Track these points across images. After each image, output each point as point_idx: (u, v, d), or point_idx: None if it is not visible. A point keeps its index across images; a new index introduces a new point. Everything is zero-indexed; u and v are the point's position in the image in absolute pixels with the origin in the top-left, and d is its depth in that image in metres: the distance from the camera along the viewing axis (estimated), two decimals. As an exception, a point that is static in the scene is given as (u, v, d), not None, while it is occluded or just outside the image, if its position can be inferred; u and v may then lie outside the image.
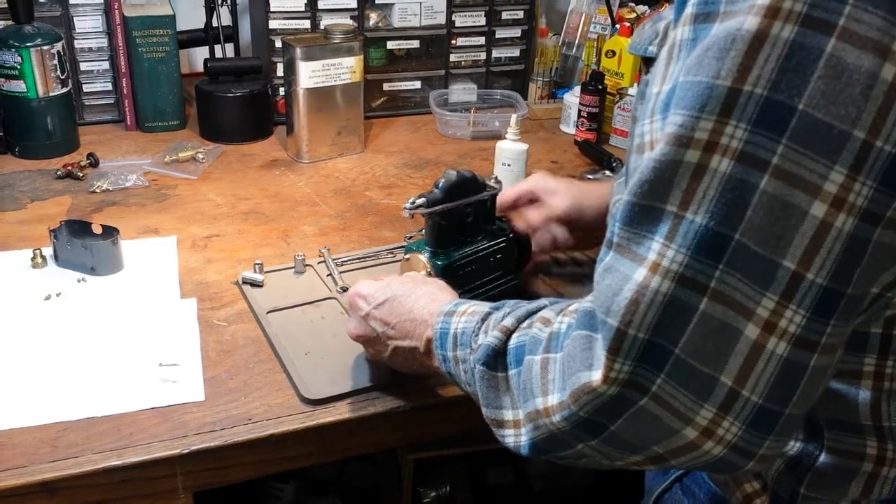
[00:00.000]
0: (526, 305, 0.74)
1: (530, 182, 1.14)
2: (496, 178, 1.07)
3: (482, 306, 0.78)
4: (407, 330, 0.85)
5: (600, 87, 1.65)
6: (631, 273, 0.57)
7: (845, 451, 0.68)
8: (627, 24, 1.71)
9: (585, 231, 1.11)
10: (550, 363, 0.65)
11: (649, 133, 0.60)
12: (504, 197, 1.11)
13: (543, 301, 0.74)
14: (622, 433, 0.61)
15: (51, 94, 1.50)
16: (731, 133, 0.53)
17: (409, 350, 0.86)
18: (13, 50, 1.45)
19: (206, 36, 1.77)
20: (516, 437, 0.69)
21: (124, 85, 1.63)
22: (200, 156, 1.53)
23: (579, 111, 1.67)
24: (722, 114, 0.53)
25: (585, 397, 0.60)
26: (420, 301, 0.86)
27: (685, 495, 0.82)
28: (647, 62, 0.73)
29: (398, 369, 0.92)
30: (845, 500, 0.70)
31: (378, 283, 0.91)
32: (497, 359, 0.71)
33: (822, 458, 0.68)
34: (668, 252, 0.56)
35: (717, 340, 0.56)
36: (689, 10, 0.57)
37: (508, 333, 0.71)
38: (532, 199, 1.13)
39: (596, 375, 0.59)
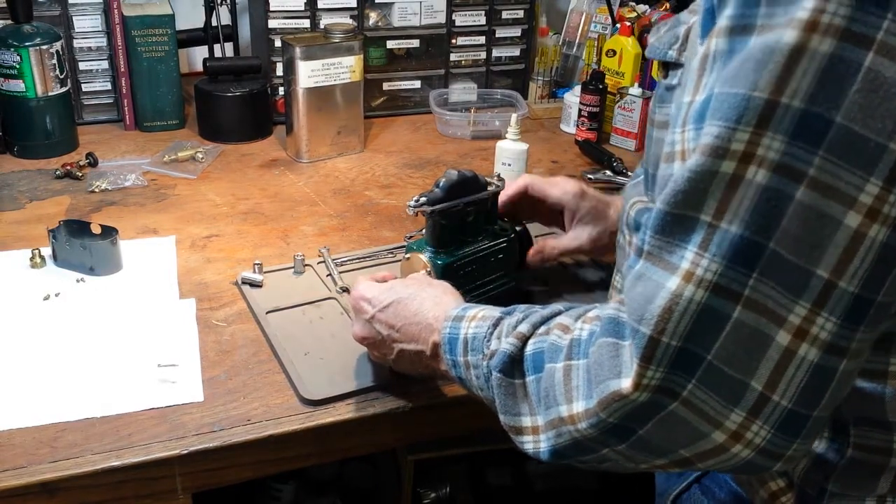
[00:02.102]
0: (539, 311, 0.74)
1: (561, 193, 1.09)
2: (499, 175, 1.07)
3: (492, 311, 0.78)
4: (412, 333, 0.85)
5: (601, 86, 1.65)
6: (664, 281, 0.58)
7: (873, 447, 0.68)
8: (628, 24, 1.71)
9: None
10: (573, 370, 0.66)
11: (680, 142, 0.60)
12: (529, 190, 1.09)
13: (557, 306, 0.74)
14: (651, 437, 0.62)
15: (50, 93, 1.49)
16: (768, 145, 0.54)
17: (415, 353, 0.86)
18: (12, 49, 1.44)
19: (206, 35, 1.77)
20: (535, 444, 0.69)
21: (123, 84, 1.63)
22: (200, 155, 1.53)
23: (580, 110, 1.66)
24: (759, 125, 0.54)
25: (615, 404, 0.61)
26: (425, 304, 0.86)
27: (704, 496, 0.82)
28: (666, 66, 0.73)
29: (402, 371, 0.92)
30: (872, 497, 0.70)
31: (382, 286, 0.91)
32: (514, 366, 0.71)
33: (850, 454, 0.69)
34: (702, 261, 0.57)
35: (749, 346, 0.57)
36: (724, 22, 0.57)
37: (524, 339, 0.72)
38: (540, 199, 1.11)
39: (626, 383, 0.60)
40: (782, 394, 0.57)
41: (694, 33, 0.65)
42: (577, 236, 1.08)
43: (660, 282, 0.58)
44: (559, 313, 0.72)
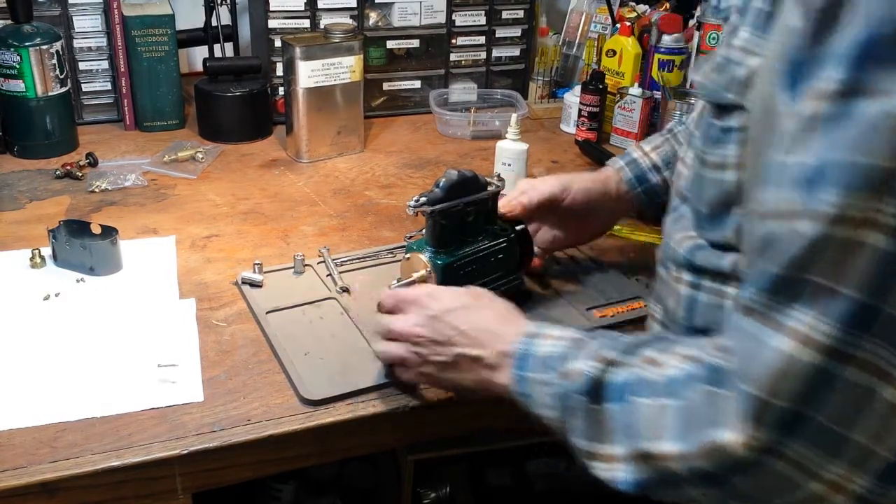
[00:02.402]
0: (624, 338, 0.75)
1: (518, 186, 1.13)
2: (499, 175, 1.07)
3: (571, 331, 0.79)
4: (478, 339, 0.84)
5: (601, 86, 1.65)
6: (772, 341, 0.59)
7: None
8: (628, 24, 1.71)
9: (576, 214, 1.12)
10: (665, 410, 0.66)
11: (783, 202, 0.60)
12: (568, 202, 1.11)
13: (644, 336, 0.75)
14: (745, 486, 0.63)
15: (50, 93, 1.49)
16: (886, 210, 0.55)
17: (473, 359, 0.83)
18: (12, 49, 1.44)
19: (206, 35, 1.77)
20: (611, 472, 0.70)
21: (123, 84, 1.63)
22: (199, 155, 1.53)
23: (580, 110, 1.66)
24: (877, 192, 0.55)
25: (716, 454, 0.62)
26: (490, 315, 0.86)
27: None
28: (720, 107, 0.73)
29: (440, 382, 0.89)
30: None
31: (448, 289, 0.90)
32: (595, 390, 0.71)
33: None
34: (815, 323, 0.57)
35: (859, 406, 0.58)
36: (830, 85, 0.57)
37: (608, 364, 0.72)
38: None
39: (729, 437, 0.61)
40: (887, 447, 0.59)
41: (763, 80, 0.64)
42: (545, 184, 1.10)
43: (769, 342, 0.59)
44: (645, 343, 0.73)
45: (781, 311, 0.59)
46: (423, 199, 0.99)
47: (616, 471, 0.69)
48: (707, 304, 0.79)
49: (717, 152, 0.74)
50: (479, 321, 0.85)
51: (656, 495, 0.69)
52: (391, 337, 0.90)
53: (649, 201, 1.13)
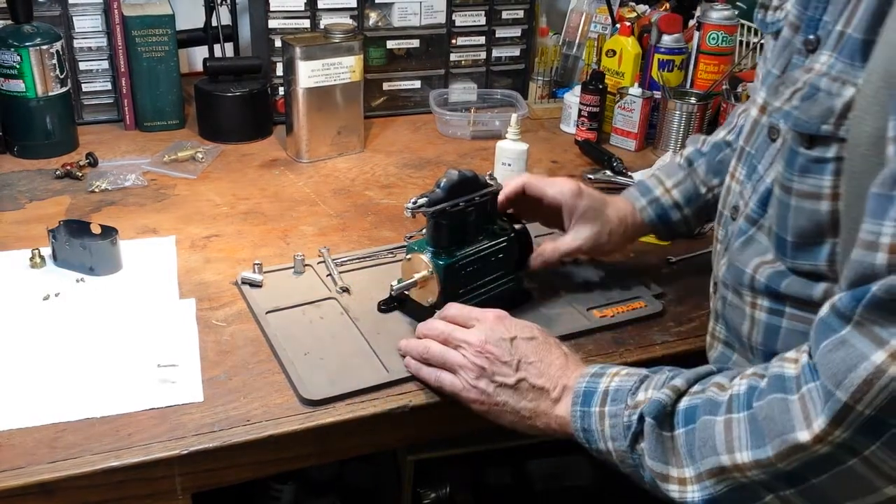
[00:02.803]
0: (690, 371, 0.78)
1: (558, 192, 1.08)
2: (490, 174, 1.07)
3: (636, 370, 0.82)
4: (545, 372, 0.86)
5: (601, 86, 1.65)
6: (868, 353, 0.61)
7: None
8: (628, 24, 1.71)
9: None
10: (734, 423, 0.70)
11: (882, 234, 0.61)
12: (526, 190, 1.10)
13: (709, 367, 0.79)
14: (822, 486, 0.66)
15: (50, 93, 1.49)
16: None
17: (538, 388, 0.86)
18: (12, 49, 1.44)
19: (206, 35, 1.77)
20: (682, 493, 0.74)
21: (123, 84, 1.63)
22: (199, 155, 1.53)
23: (580, 110, 1.66)
24: None
25: (794, 455, 0.66)
26: (559, 352, 0.89)
27: None
28: (811, 137, 0.72)
29: (490, 399, 0.87)
30: None
31: (517, 320, 0.93)
32: (665, 417, 0.75)
33: None
34: None
35: None
36: None
37: (679, 393, 0.76)
38: (538, 198, 1.10)
39: (805, 436, 0.64)
40: None
41: (868, 111, 0.65)
42: (576, 236, 1.08)
43: (864, 352, 0.61)
44: (713, 373, 0.77)
45: (882, 325, 0.61)
46: (423, 200, 0.99)
47: (688, 492, 0.73)
48: (791, 331, 0.80)
49: (807, 182, 0.73)
50: (548, 355, 0.88)
51: None
52: (454, 344, 0.91)
53: (666, 230, 1.14)
